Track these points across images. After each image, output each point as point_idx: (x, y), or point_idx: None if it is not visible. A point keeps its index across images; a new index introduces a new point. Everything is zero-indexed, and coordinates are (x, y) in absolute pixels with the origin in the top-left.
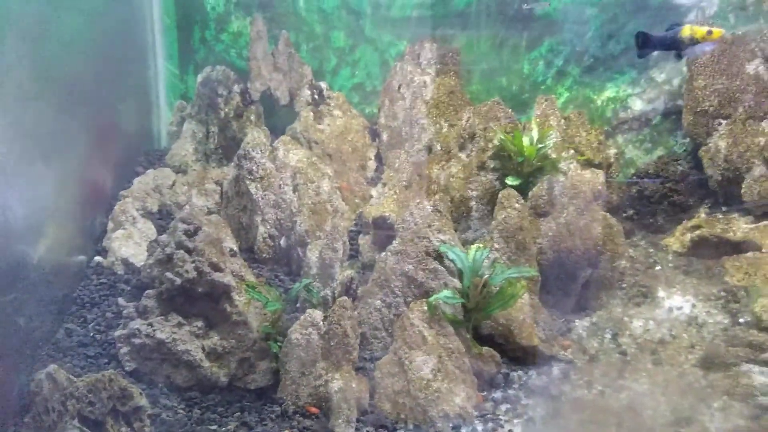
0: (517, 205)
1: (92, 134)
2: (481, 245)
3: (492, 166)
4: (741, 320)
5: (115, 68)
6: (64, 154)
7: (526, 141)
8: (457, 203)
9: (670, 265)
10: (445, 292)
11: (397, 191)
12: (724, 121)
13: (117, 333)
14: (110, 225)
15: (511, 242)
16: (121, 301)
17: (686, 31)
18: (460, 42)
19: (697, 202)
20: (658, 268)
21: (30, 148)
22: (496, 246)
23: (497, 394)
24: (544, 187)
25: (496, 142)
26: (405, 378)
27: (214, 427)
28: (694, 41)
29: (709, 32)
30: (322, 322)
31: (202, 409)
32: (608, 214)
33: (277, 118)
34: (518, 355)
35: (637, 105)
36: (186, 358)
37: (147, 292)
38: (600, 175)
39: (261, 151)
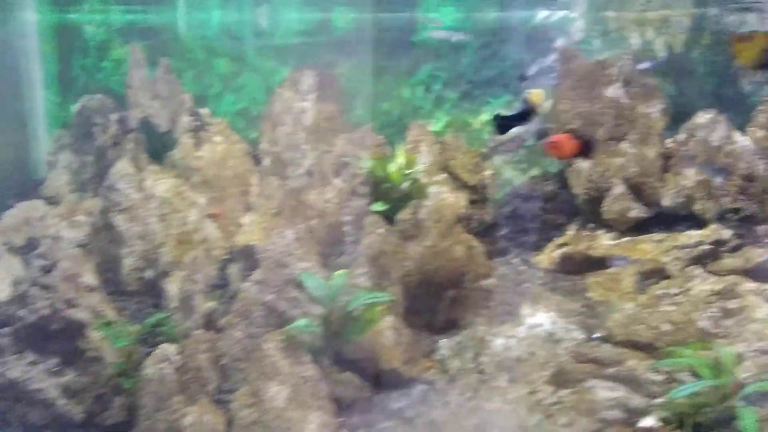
0: (380, 231)
1: None
2: (343, 272)
3: (363, 191)
4: (595, 335)
5: None
6: None
7: (393, 167)
8: (332, 229)
9: (539, 282)
10: (301, 321)
11: (267, 218)
12: None
13: None
14: None
15: (375, 267)
16: None
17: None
18: (342, 68)
19: (568, 220)
20: (526, 285)
21: None
22: (362, 271)
23: (355, 419)
24: (409, 211)
25: (367, 168)
26: (260, 408)
27: None
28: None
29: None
30: (176, 356)
31: None
32: (471, 235)
33: (159, 145)
34: (382, 379)
35: (512, 128)
36: (40, 396)
37: (1, 330)
38: (461, 199)
39: (127, 181)
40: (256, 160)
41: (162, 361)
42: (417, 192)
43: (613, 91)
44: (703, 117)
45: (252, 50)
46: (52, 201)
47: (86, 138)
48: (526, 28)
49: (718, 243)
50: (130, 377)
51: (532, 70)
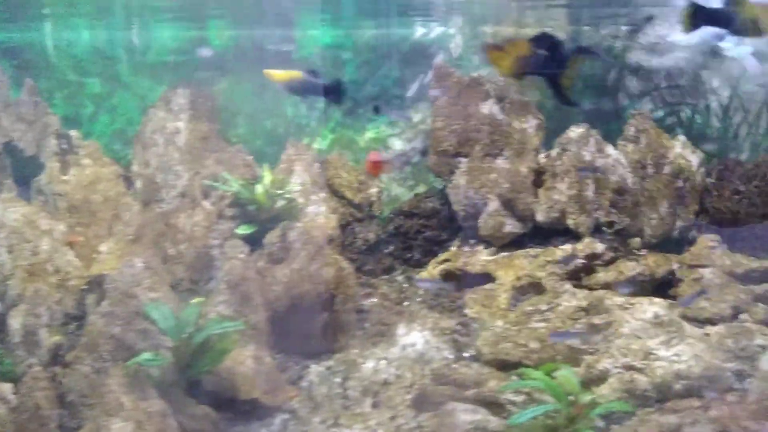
0: (241, 256)
1: None
2: (198, 300)
3: (230, 214)
4: (465, 354)
5: None
6: None
7: (259, 188)
8: (200, 254)
9: (419, 299)
10: (145, 355)
11: (123, 245)
12: (464, 159)
13: None
14: None
15: (236, 293)
16: None
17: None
18: (221, 86)
19: (450, 236)
20: (406, 303)
21: None
22: (223, 298)
23: None
24: (277, 234)
25: (235, 189)
26: None
27: None
28: None
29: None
30: (12, 396)
31: None
32: (354, 254)
33: (25, 170)
34: (241, 410)
35: (397, 145)
36: None
37: None
38: (332, 220)
39: None
40: (129, 183)
41: None
42: (288, 213)
43: (488, 108)
44: (575, 132)
45: (125, 69)
46: None
47: None
48: (405, 44)
49: (592, 257)
50: None
51: (413, 89)
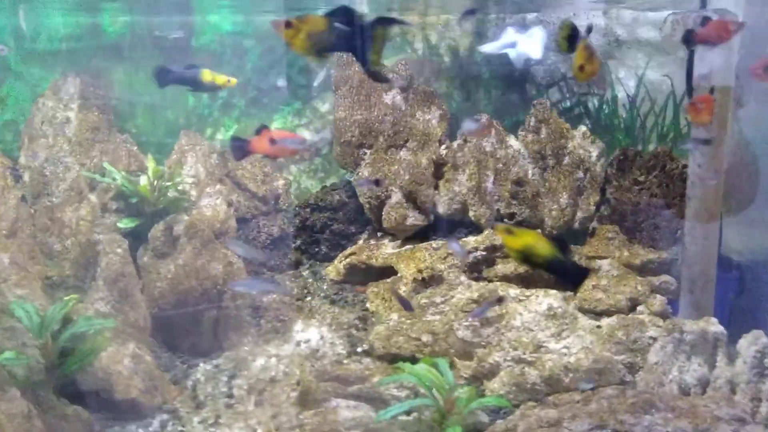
0: (119, 250)
1: None
2: (72, 297)
3: (115, 207)
4: (359, 350)
5: None
6: None
7: (143, 180)
8: (84, 248)
9: (323, 294)
10: (6, 354)
11: None
12: (368, 151)
13: None
14: None
15: (114, 290)
16: None
17: (206, 76)
18: (117, 75)
19: (358, 229)
20: (309, 298)
21: None
22: (100, 295)
23: None
24: (161, 228)
25: (118, 181)
26: None
27: None
28: (214, 85)
29: (228, 81)
30: None
31: None
32: (230, 252)
33: None
34: (121, 409)
35: (306, 136)
36: None
37: None
38: (221, 212)
39: None
40: (17, 176)
41: None
42: (176, 206)
43: (391, 98)
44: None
45: (14, 57)
46: None
47: None
48: None
49: (493, 249)
50: None
51: (319, 77)
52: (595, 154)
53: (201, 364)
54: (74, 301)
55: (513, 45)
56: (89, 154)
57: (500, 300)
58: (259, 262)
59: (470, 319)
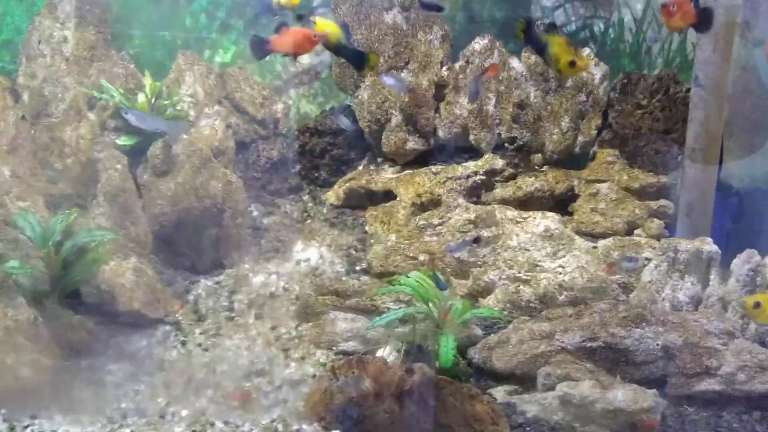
0: (119, 166)
1: None
2: (72, 211)
3: (114, 125)
4: (357, 268)
5: None
6: None
7: (140, 98)
8: (84, 166)
9: (322, 218)
10: (12, 263)
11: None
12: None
13: None
14: None
15: (114, 205)
16: None
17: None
18: None
19: (358, 155)
20: (308, 221)
21: None
22: (101, 210)
23: (83, 362)
24: (159, 146)
25: (116, 99)
26: None
27: None
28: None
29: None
30: None
31: None
32: (230, 171)
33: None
34: (125, 321)
35: (305, 59)
36: None
37: None
38: (219, 131)
39: None
40: (16, 96)
41: None
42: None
43: (392, 17)
44: (479, 43)
45: None
46: None
47: None
48: None
49: (492, 173)
50: None
51: None
52: (598, 76)
53: (202, 280)
54: (75, 214)
55: None
56: (87, 73)
57: (477, 240)
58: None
59: (448, 253)
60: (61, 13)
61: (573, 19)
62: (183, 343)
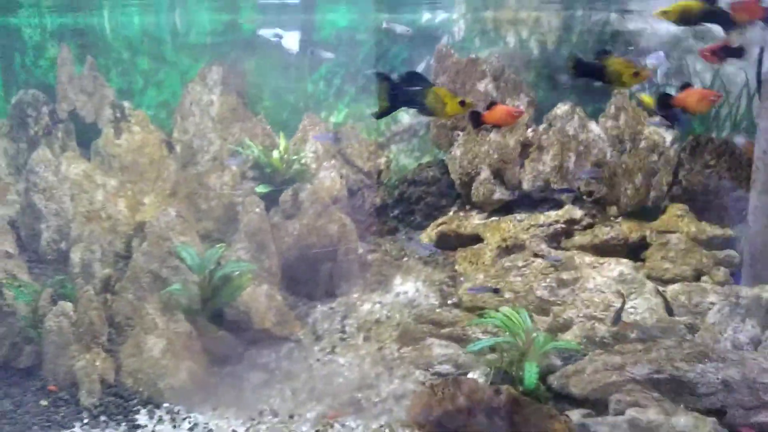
0: (257, 210)
1: None
2: (220, 245)
3: (251, 175)
4: (449, 302)
5: None
6: None
7: (275, 154)
8: (227, 208)
9: (417, 257)
10: (175, 286)
11: (161, 199)
12: (461, 133)
13: None
14: None
15: (253, 242)
16: None
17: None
18: (250, 65)
19: (449, 202)
20: (405, 259)
21: None
22: (242, 245)
23: (225, 370)
24: (289, 193)
25: (255, 154)
26: (141, 358)
27: None
28: None
29: None
30: (72, 312)
31: None
32: (345, 215)
33: (88, 134)
34: (257, 337)
35: (406, 119)
36: None
37: None
38: (338, 183)
39: (45, 166)
40: (171, 147)
41: (60, 316)
42: (301, 176)
43: (484, 86)
44: (561, 108)
45: (170, 49)
46: None
47: (21, 127)
48: (413, 28)
49: (571, 222)
50: (38, 329)
51: (420, 68)
52: (669, 139)
53: (318, 306)
54: (223, 248)
55: None
56: (230, 131)
57: (496, 290)
58: None
59: (468, 291)
60: (210, 80)
61: (646, 86)
62: (305, 358)
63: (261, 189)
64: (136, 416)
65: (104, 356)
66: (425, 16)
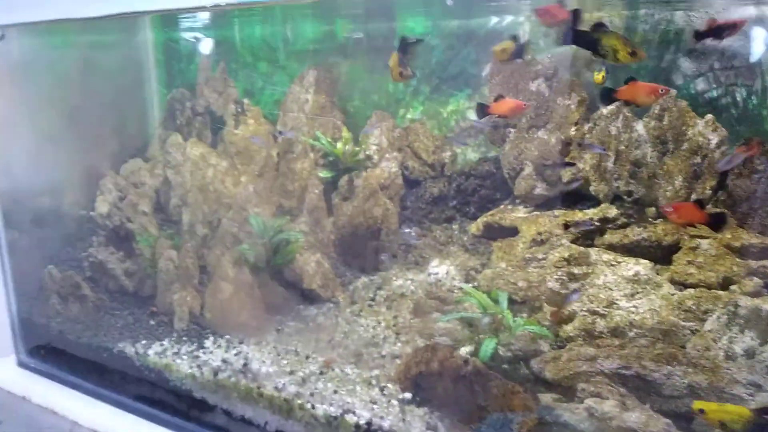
0: (316, 191)
1: (110, 133)
2: (285, 218)
3: (322, 163)
4: (471, 285)
5: (130, 91)
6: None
7: (339, 145)
8: (303, 189)
9: (461, 244)
10: (243, 246)
11: (251, 178)
12: (513, 130)
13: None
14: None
15: (312, 217)
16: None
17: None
18: (343, 68)
19: (504, 195)
20: (450, 245)
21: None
22: (303, 219)
23: (276, 317)
24: (345, 179)
25: (324, 146)
26: (216, 298)
27: (118, 312)
28: None
29: None
30: (177, 258)
31: (116, 302)
32: (388, 200)
33: (217, 125)
34: (306, 295)
35: (473, 116)
36: (112, 273)
37: (101, 231)
38: (387, 172)
39: (176, 148)
40: (275, 138)
41: (168, 260)
42: (360, 165)
43: (536, 86)
44: (606, 109)
45: (282, 55)
46: (148, 160)
47: (171, 118)
48: (482, 31)
49: (605, 221)
50: (155, 268)
51: (486, 69)
52: (714, 141)
53: (362, 277)
54: (286, 220)
55: None
56: (315, 126)
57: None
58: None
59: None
60: (306, 82)
61: (714, 86)
62: (336, 316)
63: (324, 174)
64: (205, 341)
65: (194, 294)
66: (493, 20)
